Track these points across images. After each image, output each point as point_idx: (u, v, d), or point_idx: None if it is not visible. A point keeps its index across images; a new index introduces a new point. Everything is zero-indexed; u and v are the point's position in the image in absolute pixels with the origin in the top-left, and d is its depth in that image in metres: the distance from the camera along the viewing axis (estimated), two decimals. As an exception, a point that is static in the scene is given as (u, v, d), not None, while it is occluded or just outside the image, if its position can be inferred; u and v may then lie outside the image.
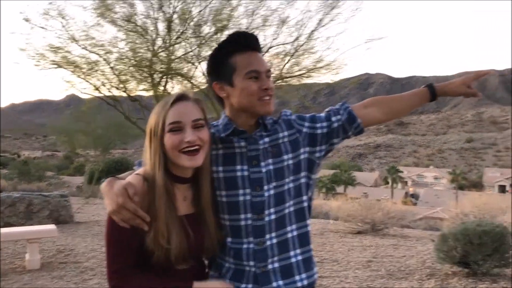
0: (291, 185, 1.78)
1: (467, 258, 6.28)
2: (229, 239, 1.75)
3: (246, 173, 1.75)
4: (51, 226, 7.71)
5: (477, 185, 78.06)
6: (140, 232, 1.57)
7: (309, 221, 1.85)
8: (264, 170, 1.75)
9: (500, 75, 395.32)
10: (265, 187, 1.74)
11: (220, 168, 1.77)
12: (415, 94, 2.00)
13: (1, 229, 7.28)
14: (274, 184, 1.75)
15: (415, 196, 70.09)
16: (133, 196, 1.56)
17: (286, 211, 1.77)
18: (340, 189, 66.22)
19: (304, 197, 1.83)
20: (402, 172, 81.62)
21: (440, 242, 6.65)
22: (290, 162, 1.79)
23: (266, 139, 1.79)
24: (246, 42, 1.76)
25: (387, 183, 78.46)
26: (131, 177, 1.64)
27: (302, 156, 1.82)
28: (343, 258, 7.70)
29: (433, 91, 1.97)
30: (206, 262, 1.83)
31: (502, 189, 79.27)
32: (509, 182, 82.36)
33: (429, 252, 7.89)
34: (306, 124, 1.87)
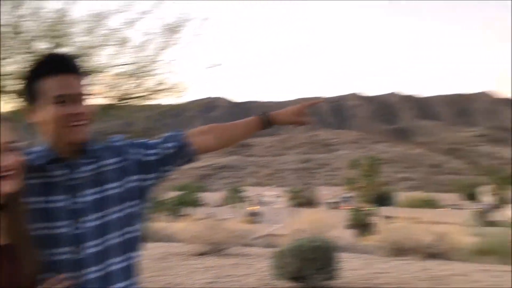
0: (116, 215, 1.70)
1: (301, 273, 6.71)
2: (47, 274, 1.61)
3: (65, 203, 1.63)
4: None
5: (312, 203, 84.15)
6: None
7: (138, 252, 1.79)
8: (85, 200, 1.65)
9: (330, 102, 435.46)
10: (87, 218, 1.64)
11: (38, 199, 1.63)
12: (249, 122, 2.04)
13: None
14: (97, 214, 1.66)
15: (257, 214, 73.03)
16: None
17: (111, 242, 1.68)
18: (186, 210, 66.24)
19: (133, 227, 1.75)
20: (245, 191, 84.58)
21: (277, 258, 7.01)
22: (116, 190, 1.71)
23: (89, 167, 1.69)
24: (56, 64, 1.65)
25: (231, 203, 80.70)
26: None
27: (131, 184, 1.75)
28: (185, 281, 7.66)
29: (267, 120, 2.04)
30: None
31: (333, 205, 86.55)
32: (339, 199, 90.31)
33: (268, 269, 8.27)
34: (137, 150, 1.80)
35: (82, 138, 1.65)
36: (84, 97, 1.66)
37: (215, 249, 10.61)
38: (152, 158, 1.81)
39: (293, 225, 15.49)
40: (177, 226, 17.17)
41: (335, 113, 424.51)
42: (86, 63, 7.69)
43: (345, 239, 17.67)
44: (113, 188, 1.70)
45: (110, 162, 1.73)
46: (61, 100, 1.60)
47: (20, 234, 1.57)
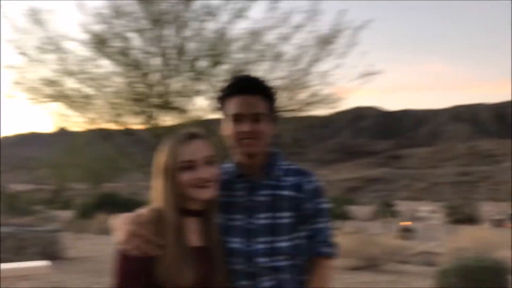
0: (285, 243, 1.77)
1: (468, 295, 6.15)
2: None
3: (242, 223, 1.78)
4: (44, 262, 7.47)
5: (472, 219, 77.63)
6: (150, 263, 1.58)
7: (305, 276, 1.82)
8: (258, 222, 1.77)
9: (492, 108, 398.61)
10: (258, 240, 1.76)
11: (221, 215, 1.81)
12: None
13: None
14: (266, 238, 1.76)
15: (410, 230, 69.60)
16: (144, 224, 1.61)
17: (280, 264, 1.76)
18: (334, 223, 65.14)
19: (301, 255, 1.80)
20: (397, 206, 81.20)
21: (439, 278, 6.53)
22: (287, 220, 1.78)
23: (267, 192, 1.81)
24: (239, 85, 1.82)
25: (382, 217, 78.01)
26: (141, 210, 1.69)
27: (295, 218, 1.80)
28: (340, 296, 7.52)
29: None
30: None
31: (498, 223, 78.78)
32: (504, 216, 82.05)
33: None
34: (313, 199, 1.83)
35: (253, 151, 1.79)
36: (263, 116, 1.79)
37: (370, 264, 10.28)
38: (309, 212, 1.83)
39: (453, 243, 14.39)
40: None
41: (498, 120, 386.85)
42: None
43: (514, 261, 15.85)
44: (285, 217, 1.78)
45: (289, 194, 1.81)
46: (238, 118, 1.77)
47: (214, 239, 1.74)
